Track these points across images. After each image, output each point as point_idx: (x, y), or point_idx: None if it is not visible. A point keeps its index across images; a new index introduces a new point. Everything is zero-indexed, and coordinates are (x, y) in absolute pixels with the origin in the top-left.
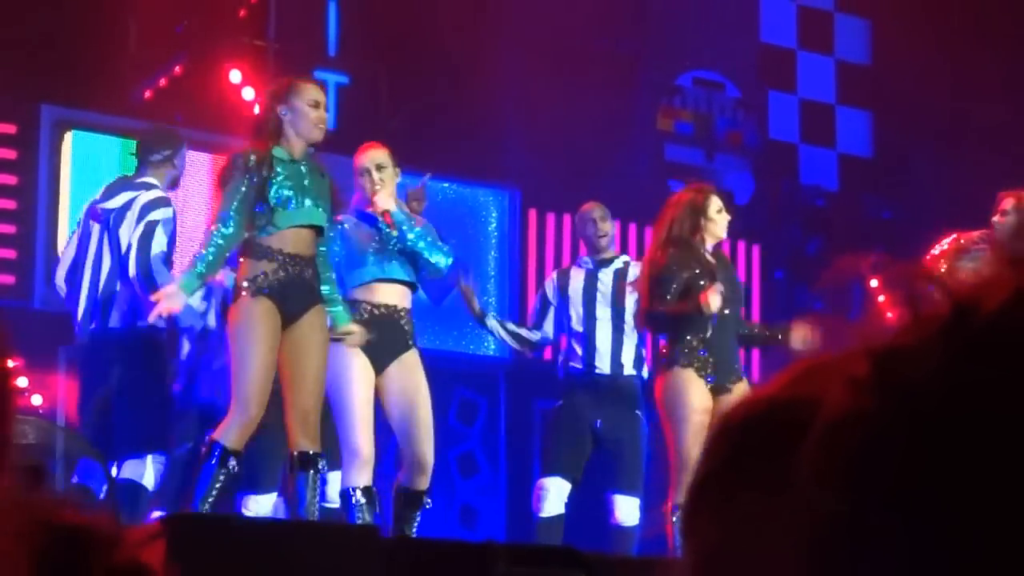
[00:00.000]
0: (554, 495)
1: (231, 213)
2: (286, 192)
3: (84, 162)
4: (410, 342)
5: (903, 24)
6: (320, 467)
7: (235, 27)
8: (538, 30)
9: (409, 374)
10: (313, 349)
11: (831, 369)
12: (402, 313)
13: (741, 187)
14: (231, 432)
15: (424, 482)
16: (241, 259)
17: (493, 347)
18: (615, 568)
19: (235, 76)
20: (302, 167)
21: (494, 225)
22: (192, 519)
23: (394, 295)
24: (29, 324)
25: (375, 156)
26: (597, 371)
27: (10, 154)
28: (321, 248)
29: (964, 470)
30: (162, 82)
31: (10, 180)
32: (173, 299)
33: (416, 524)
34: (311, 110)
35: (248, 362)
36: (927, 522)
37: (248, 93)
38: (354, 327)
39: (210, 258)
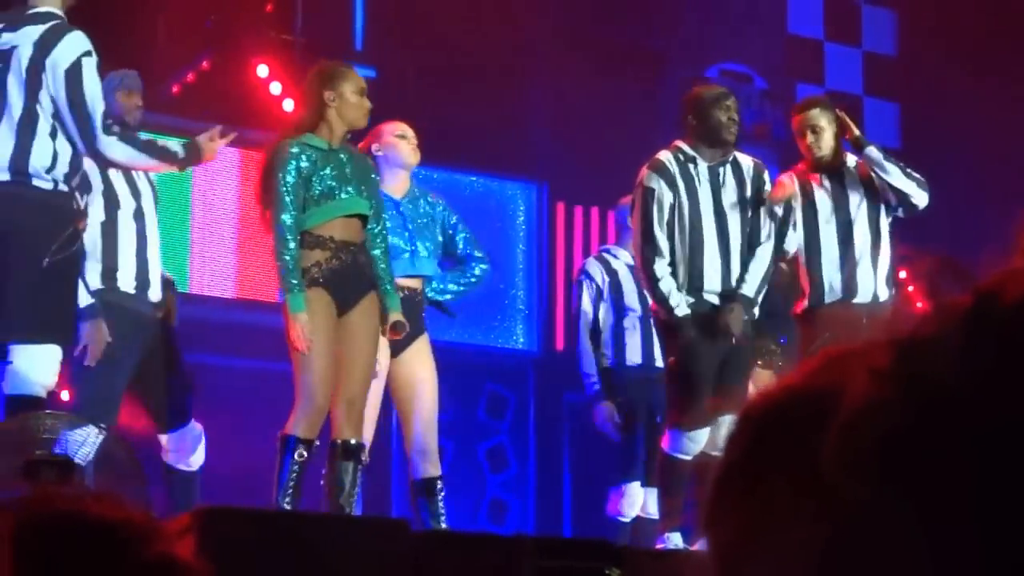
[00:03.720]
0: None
1: (287, 202)
2: (330, 182)
3: None
4: (424, 327)
5: (929, 14)
6: (362, 458)
7: (262, 22)
8: (566, 23)
9: (424, 361)
10: (363, 337)
11: (854, 359)
12: (420, 296)
13: (769, 179)
14: (301, 423)
15: (436, 468)
16: None
17: (522, 341)
18: (645, 560)
19: (262, 71)
20: (342, 155)
21: (522, 219)
22: (223, 512)
23: (416, 279)
24: None
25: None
26: (635, 364)
27: None
28: (374, 232)
29: (985, 459)
30: (189, 77)
31: None
32: (301, 328)
33: (443, 515)
34: (359, 99)
35: (310, 354)
36: (948, 511)
37: (275, 88)
38: (402, 318)
39: (291, 262)
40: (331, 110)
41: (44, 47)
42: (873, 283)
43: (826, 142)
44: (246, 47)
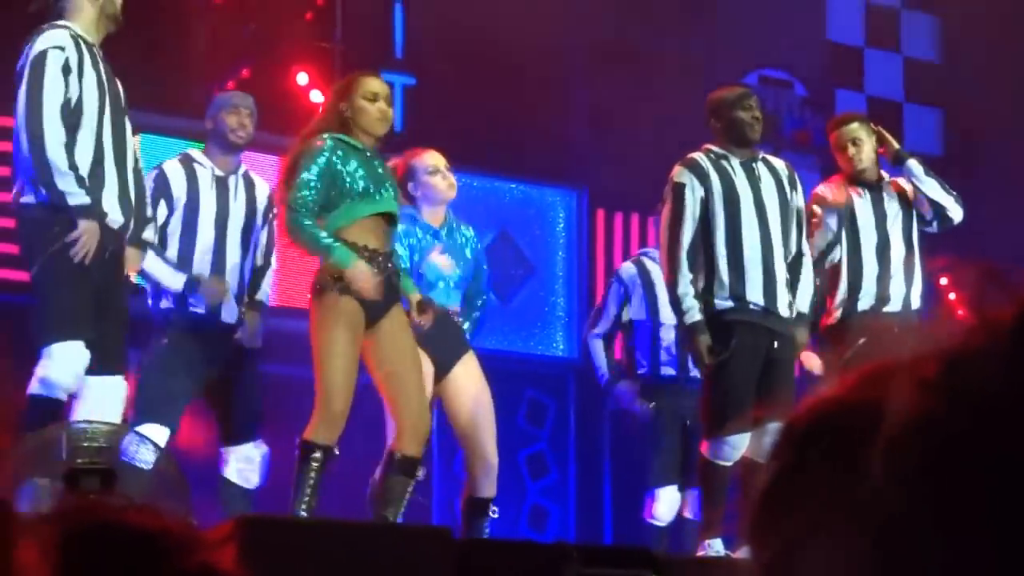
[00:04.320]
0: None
1: (311, 184)
2: (363, 182)
3: (153, 165)
4: (467, 344)
5: (971, 20)
6: (418, 474)
7: (302, 30)
8: (605, 29)
9: (475, 376)
10: (408, 351)
11: (900, 371)
12: (459, 316)
13: (809, 186)
14: (319, 429)
15: (493, 488)
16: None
17: (562, 348)
18: (686, 568)
19: (302, 78)
20: (375, 161)
21: (562, 225)
22: (264, 521)
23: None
24: None
25: (439, 156)
26: (669, 375)
27: None
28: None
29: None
30: (230, 85)
31: None
32: (364, 272)
33: (486, 533)
34: (369, 104)
35: (333, 360)
36: (991, 524)
37: (315, 95)
38: (421, 297)
39: (314, 229)
40: (348, 120)
41: (26, 50)
42: (905, 294)
43: (867, 154)
44: (286, 55)
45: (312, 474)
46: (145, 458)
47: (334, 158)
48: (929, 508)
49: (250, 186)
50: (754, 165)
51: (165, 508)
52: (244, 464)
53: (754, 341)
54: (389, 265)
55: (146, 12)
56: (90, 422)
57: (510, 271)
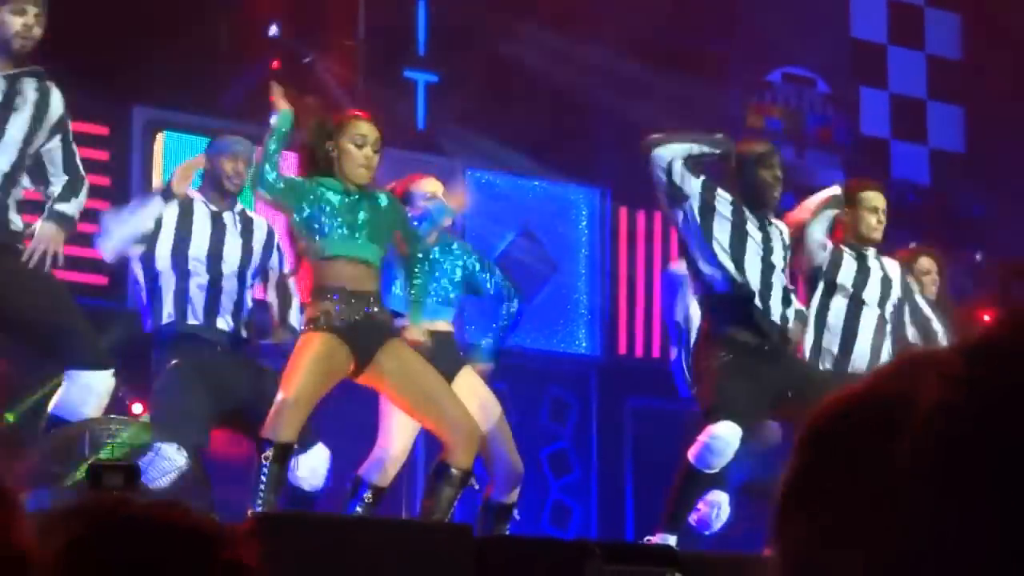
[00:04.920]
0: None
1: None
2: (341, 230)
3: (176, 163)
4: (462, 361)
5: (994, 17)
6: (471, 484)
7: (325, 27)
8: (628, 27)
9: (475, 390)
10: (425, 370)
11: (926, 365)
12: (453, 336)
13: (832, 183)
14: (282, 426)
15: (515, 495)
16: (306, 301)
17: (585, 345)
18: (709, 566)
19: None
20: (360, 206)
21: (584, 223)
22: (284, 518)
23: (447, 319)
24: (123, 326)
25: (436, 183)
26: None
27: (102, 155)
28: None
29: None
30: (252, 84)
31: (103, 181)
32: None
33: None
34: (355, 149)
35: (302, 371)
36: (1017, 513)
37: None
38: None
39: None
40: (334, 161)
41: None
42: (867, 369)
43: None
44: (309, 53)
45: (263, 472)
46: (163, 478)
47: (318, 191)
48: (954, 495)
49: (247, 223)
50: (766, 224)
51: (189, 505)
52: (310, 469)
53: (745, 356)
54: (374, 307)
55: (169, 9)
56: (114, 419)
57: (533, 269)
